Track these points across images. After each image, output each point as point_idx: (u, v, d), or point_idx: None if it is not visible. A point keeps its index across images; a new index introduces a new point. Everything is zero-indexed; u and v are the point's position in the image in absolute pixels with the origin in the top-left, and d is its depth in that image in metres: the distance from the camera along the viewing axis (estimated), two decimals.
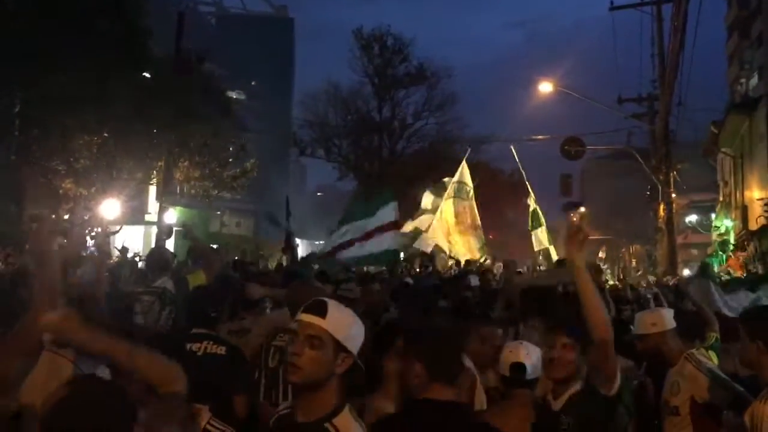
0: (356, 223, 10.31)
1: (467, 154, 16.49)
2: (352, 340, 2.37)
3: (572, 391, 3.38)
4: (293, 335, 2.33)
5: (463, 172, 14.43)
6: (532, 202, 15.42)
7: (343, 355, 2.33)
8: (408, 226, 14.14)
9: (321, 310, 2.34)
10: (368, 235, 10.35)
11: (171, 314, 5.63)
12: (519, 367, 3.38)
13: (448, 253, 13.44)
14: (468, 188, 14.34)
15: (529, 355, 3.42)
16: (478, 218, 14.39)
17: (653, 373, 4.86)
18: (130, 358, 2.30)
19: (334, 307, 2.38)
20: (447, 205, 13.82)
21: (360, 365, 2.38)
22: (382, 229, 10.43)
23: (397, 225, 10.61)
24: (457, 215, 13.91)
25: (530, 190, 15.38)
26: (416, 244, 13.05)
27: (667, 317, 4.45)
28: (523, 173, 16.37)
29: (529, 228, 15.53)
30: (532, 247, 15.40)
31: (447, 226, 13.64)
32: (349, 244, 10.41)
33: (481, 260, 12.75)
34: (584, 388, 3.40)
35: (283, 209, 10.48)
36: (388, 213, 10.34)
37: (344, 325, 2.36)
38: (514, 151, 16.44)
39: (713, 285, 6.63)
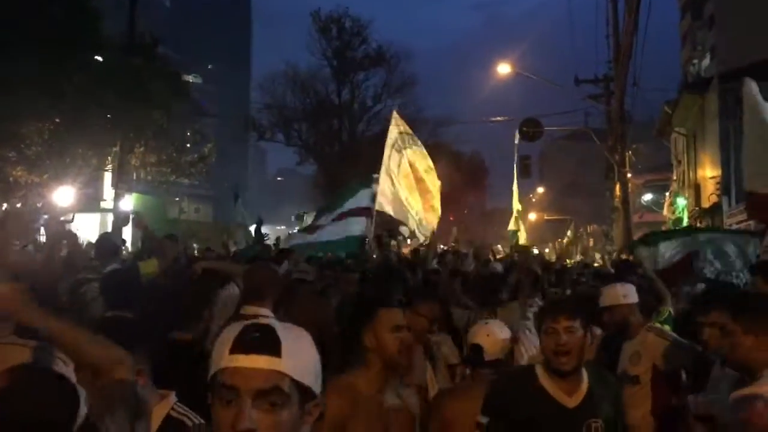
0: (334, 212, 10.24)
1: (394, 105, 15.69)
2: (317, 375, 1.51)
3: (585, 384, 3.03)
4: (231, 395, 1.39)
5: (398, 122, 13.14)
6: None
7: (312, 404, 1.49)
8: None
9: (272, 345, 1.42)
10: (336, 219, 10.28)
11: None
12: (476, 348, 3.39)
13: (412, 228, 11.96)
14: (410, 135, 13.14)
15: (491, 335, 3.40)
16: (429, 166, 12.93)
17: (607, 347, 5.01)
18: (75, 341, 2.24)
19: (284, 331, 1.46)
20: (403, 162, 12.15)
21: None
22: (350, 213, 10.34)
23: (369, 211, 10.30)
24: (411, 165, 12.35)
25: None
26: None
27: (633, 291, 4.64)
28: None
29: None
30: (492, 229, 15.53)
31: (405, 189, 12.50)
32: (315, 228, 10.33)
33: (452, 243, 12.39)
34: (594, 376, 3.11)
35: (249, 195, 10.48)
36: (361, 198, 10.23)
37: (306, 359, 1.48)
38: None
39: (661, 245, 6.90)
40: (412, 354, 3.38)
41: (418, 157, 12.36)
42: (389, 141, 11.61)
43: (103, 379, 2.25)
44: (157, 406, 2.59)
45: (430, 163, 12.70)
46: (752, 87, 6.31)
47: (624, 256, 11.92)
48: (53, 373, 2.02)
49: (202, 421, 2.63)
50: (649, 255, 6.82)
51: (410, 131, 12.66)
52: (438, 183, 12.65)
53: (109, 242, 6.60)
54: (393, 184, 11.30)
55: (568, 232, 28.41)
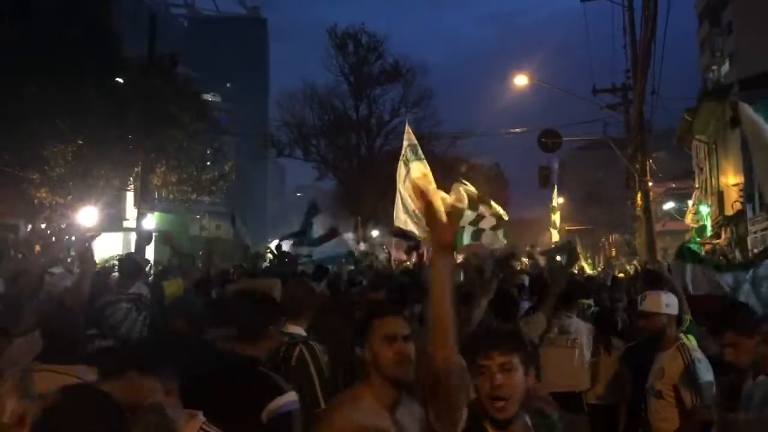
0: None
1: (406, 117, 16.11)
2: None
3: None
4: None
5: (410, 136, 13.43)
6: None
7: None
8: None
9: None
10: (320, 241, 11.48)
11: (146, 320, 5.64)
12: None
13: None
14: (415, 146, 13.35)
15: None
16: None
17: (630, 359, 4.96)
18: None
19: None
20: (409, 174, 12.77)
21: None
22: (326, 238, 11.18)
23: (334, 232, 11.92)
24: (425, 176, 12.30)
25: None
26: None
27: (676, 302, 4.57)
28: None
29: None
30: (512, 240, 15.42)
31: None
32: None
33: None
34: (538, 419, 2.69)
35: (260, 211, 11.20)
36: (319, 226, 11.11)
37: None
38: None
39: (689, 266, 6.71)
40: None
41: (423, 168, 12.61)
42: (402, 156, 12.12)
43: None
44: (186, 425, 2.57)
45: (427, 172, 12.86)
46: (748, 110, 6.37)
47: (649, 266, 11.77)
48: (100, 391, 2.04)
49: None
50: (681, 270, 6.60)
51: (415, 142, 12.91)
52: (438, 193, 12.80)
53: (133, 262, 6.63)
54: (402, 198, 11.70)
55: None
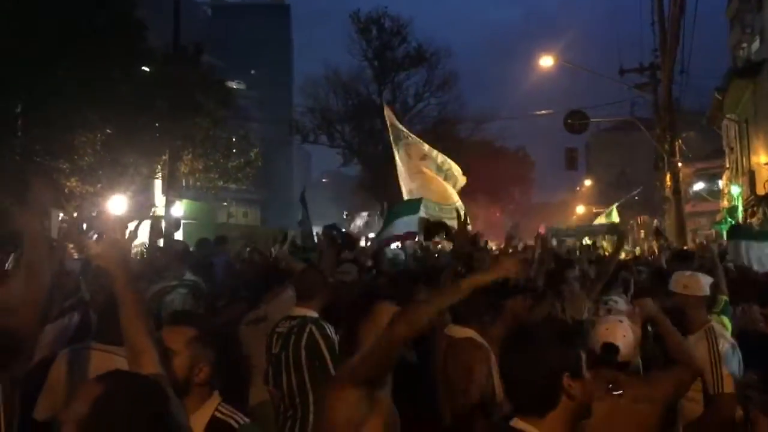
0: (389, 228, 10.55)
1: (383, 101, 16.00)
2: None
3: None
4: None
5: (391, 121, 13.38)
6: None
7: None
8: None
9: None
10: (388, 241, 10.67)
11: (201, 307, 5.71)
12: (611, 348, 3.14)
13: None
14: (395, 128, 13.33)
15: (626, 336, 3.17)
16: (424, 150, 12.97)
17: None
18: (126, 314, 2.39)
19: None
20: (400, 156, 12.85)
21: None
22: (399, 238, 10.76)
23: (413, 236, 10.80)
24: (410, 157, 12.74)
25: None
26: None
27: (703, 283, 4.29)
28: None
29: None
30: (538, 223, 15.40)
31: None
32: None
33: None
34: None
35: (294, 198, 10.87)
36: (409, 223, 10.50)
37: None
38: None
39: (744, 243, 6.48)
40: None
41: (412, 149, 12.68)
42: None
43: (132, 367, 2.31)
44: (200, 408, 2.56)
45: (425, 149, 12.91)
46: None
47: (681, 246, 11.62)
48: (147, 377, 2.06)
49: (248, 420, 2.62)
50: (738, 249, 6.34)
51: (397, 124, 12.99)
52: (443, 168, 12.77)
53: (183, 247, 6.72)
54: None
55: (655, 222, 28.13)
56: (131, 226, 2.99)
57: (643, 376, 3.14)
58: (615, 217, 24.78)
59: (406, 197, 12.15)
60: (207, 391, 2.61)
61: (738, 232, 6.71)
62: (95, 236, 2.56)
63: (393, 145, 12.75)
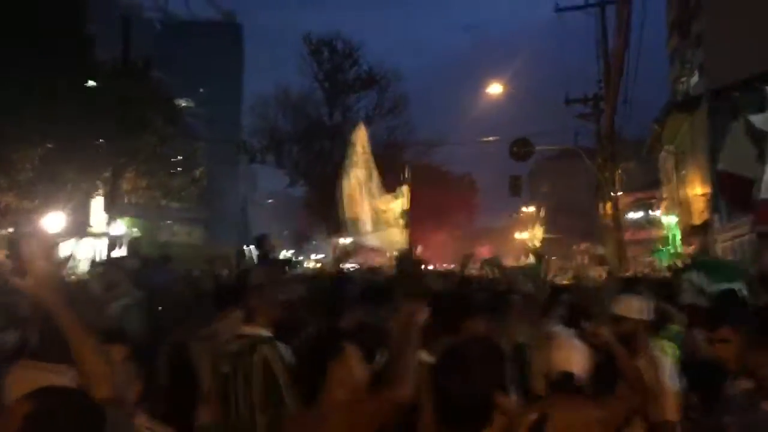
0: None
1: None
2: None
3: None
4: None
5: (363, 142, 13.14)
6: None
7: None
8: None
9: None
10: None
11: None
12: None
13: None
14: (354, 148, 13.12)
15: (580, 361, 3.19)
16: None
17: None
18: (75, 340, 2.20)
19: None
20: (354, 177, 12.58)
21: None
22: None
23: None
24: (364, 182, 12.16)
25: None
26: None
27: (648, 307, 4.39)
28: None
29: None
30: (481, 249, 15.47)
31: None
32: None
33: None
34: None
35: (239, 217, 10.61)
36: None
37: None
38: None
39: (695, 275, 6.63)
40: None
41: (360, 169, 12.44)
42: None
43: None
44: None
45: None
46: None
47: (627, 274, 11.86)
48: (78, 392, 2.01)
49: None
50: (696, 283, 6.47)
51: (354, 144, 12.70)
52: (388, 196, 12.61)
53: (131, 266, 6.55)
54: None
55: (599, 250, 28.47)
56: (64, 246, 2.90)
57: (597, 400, 3.16)
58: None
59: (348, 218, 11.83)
60: (137, 409, 2.64)
61: (699, 265, 6.89)
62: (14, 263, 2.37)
63: (348, 166, 12.28)
